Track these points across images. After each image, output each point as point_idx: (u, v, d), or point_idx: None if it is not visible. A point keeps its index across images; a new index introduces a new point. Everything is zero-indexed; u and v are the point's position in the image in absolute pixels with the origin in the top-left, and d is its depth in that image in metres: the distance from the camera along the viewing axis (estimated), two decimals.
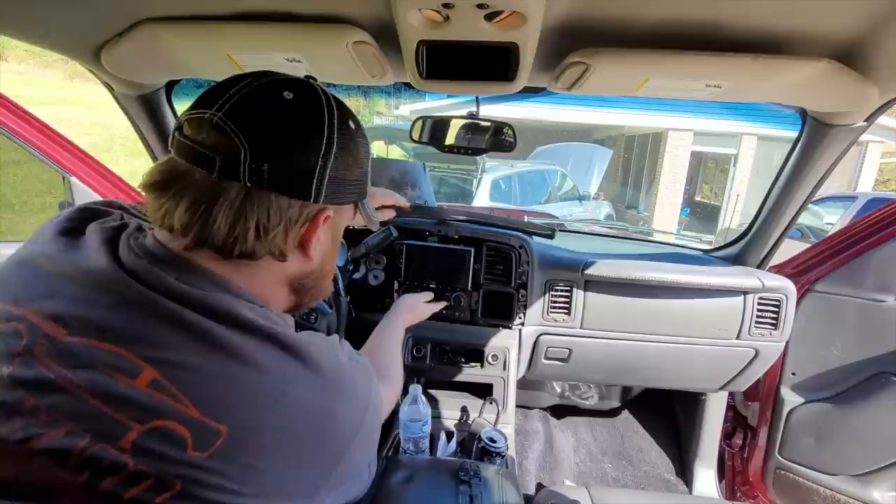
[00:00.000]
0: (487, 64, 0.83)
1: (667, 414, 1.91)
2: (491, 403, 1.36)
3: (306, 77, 0.50)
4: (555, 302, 1.35)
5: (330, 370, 0.47)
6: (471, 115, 1.17)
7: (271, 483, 0.40)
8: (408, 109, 9.24)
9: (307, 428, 0.43)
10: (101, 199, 0.89)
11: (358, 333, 0.97)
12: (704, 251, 1.65)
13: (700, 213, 10.17)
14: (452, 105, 6.74)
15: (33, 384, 0.39)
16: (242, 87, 0.45)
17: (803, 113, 1.11)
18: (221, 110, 0.43)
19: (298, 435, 0.42)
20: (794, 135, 1.18)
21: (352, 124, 0.50)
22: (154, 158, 1.29)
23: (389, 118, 11.42)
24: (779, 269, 1.42)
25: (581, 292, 1.34)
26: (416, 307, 1.08)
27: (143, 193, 0.46)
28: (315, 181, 0.46)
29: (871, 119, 0.99)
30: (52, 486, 0.37)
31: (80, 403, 0.38)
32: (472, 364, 1.37)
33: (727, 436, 1.62)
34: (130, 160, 6.44)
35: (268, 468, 0.40)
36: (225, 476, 0.38)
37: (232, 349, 0.41)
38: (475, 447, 1.16)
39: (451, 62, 0.83)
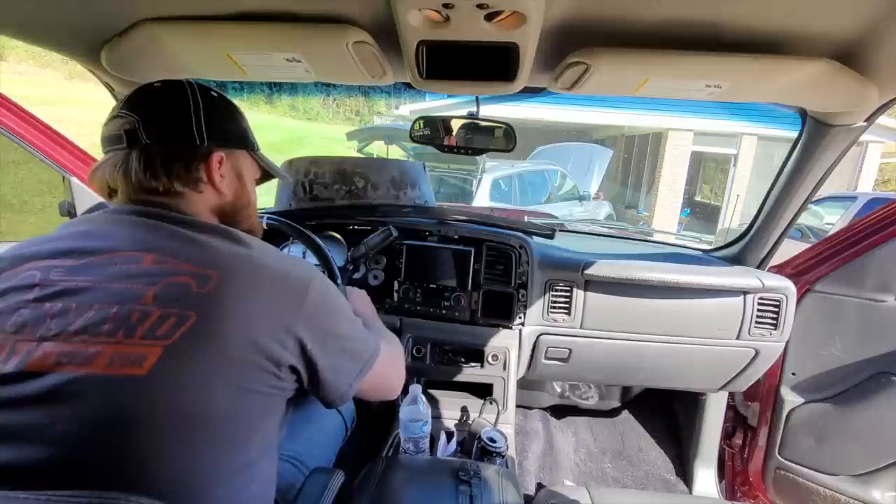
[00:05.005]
0: (487, 64, 0.83)
1: (667, 414, 1.91)
2: (491, 403, 1.36)
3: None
4: (555, 302, 1.35)
5: (272, 249, 0.63)
6: (471, 115, 1.17)
7: (254, 310, 0.53)
8: (408, 109, 9.21)
9: (269, 277, 0.57)
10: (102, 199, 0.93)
11: None
12: (704, 251, 1.65)
13: (700, 213, 10.16)
14: (452, 105, 6.74)
15: (58, 294, 0.50)
16: (130, 93, 0.65)
17: (803, 113, 1.11)
18: (119, 108, 0.63)
19: (265, 279, 0.56)
20: (794, 135, 1.18)
21: (214, 94, 0.68)
22: None
23: (389, 118, 11.41)
24: (779, 269, 1.41)
25: (581, 292, 1.33)
26: (356, 298, 1.01)
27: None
28: (194, 128, 0.63)
29: (871, 119, 0.99)
30: (92, 353, 0.46)
31: (103, 290, 0.50)
32: (472, 364, 1.37)
33: (727, 436, 1.61)
34: None
35: (250, 299, 0.54)
36: (223, 306, 0.51)
37: (194, 238, 0.57)
38: (475, 447, 1.16)
39: (451, 62, 0.83)
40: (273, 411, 0.57)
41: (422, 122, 1.20)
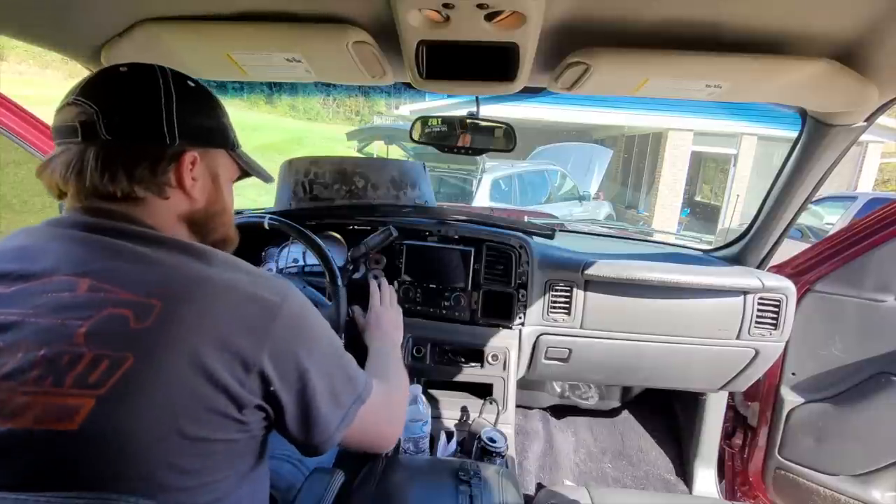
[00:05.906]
0: (487, 64, 0.83)
1: (667, 414, 1.91)
2: (491, 403, 1.36)
3: None
4: (555, 302, 1.35)
5: (242, 265, 0.54)
6: (471, 115, 1.17)
7: (206, 344, 0.44)
8: (408, 109, 9.22)
9: (229, 300, 0.48)
10: None
11: (357, 332, 0.97)
12: (704, 251, 1.65)
13: (700, 213, 10.16)
14: (452, 105, 6.74)
15: None
16: (89, 75, 0.55)
17: (803, 113, 1.11)
18: (75, 94, 0.53)
19: (224, 304, 0.48)
20: (794, 135, 1.18)
21: (191, 83, 0.59)
22: None
23: (389, 118, 11.41)
24: (779, 269, 1.41)
25: (581, 292, 1.33)
26: (381, 318, 0.99)
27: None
28: (164, 124, 0.54)
29: (871, 119, 0.99)
30: (19, 405, 0.40)
31: (32, 327, 0.43)
32: (472, 364, 1.37)
33: (727, 436, 1.61)
34: None
35: (200, 331, 0.45)
36: (166, 344, 0.43)
37: (144, 257, 0.49)
38: (475, 447, 1.16)
39: (451, 62, 0.83)
40: (245, 453, 0.50)
41: (422, 121, 1.20)
